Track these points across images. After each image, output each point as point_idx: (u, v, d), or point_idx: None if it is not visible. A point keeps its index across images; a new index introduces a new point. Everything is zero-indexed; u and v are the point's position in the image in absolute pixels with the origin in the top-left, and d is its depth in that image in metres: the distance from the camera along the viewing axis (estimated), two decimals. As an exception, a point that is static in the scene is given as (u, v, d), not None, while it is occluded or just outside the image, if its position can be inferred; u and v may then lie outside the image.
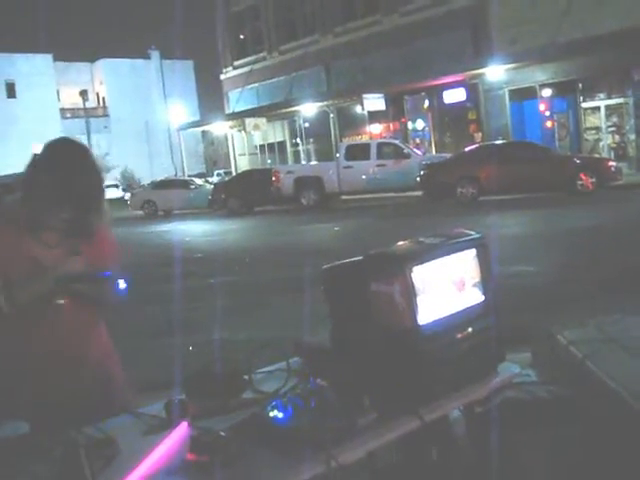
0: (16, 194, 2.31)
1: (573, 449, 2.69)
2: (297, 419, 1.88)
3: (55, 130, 56.59)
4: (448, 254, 2.12)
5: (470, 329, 2.13)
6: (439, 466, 2.31)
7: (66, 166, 2.20)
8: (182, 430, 1.97)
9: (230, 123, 34.48)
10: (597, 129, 23.95)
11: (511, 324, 2.37)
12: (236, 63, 37.27)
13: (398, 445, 2.10)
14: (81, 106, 47.33)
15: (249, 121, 32.03)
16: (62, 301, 2.30)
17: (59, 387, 2.28)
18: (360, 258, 2.08)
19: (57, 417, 2.07)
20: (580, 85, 23.42)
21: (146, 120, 61.11)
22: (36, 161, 2.25)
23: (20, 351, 2.28)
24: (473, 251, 2.19)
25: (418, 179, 19.90)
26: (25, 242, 2.27)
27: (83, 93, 44.31)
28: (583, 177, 17.60)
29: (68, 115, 59.84)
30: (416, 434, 2.01)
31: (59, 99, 60.74)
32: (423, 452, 2.26)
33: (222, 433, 1.85)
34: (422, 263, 2.01)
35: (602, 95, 23.42)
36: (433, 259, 2.06)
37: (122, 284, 2.27)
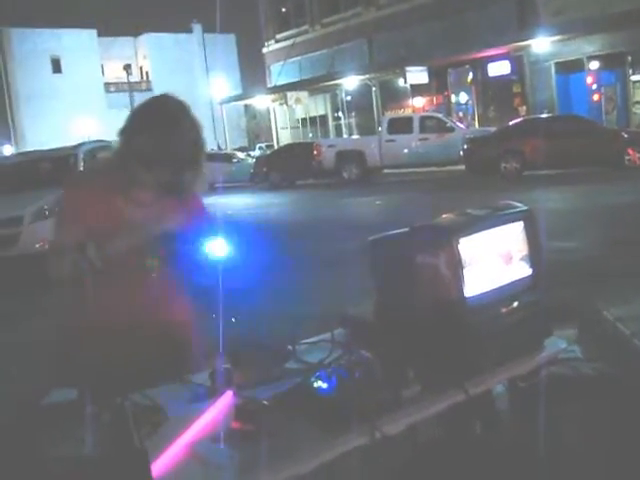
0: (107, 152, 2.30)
1: (617, 427, 2.65)
2: (341, 390, 1.88)
3: (99, 104, 57.23)
4: (495, 226, 2.08)
5: (517, 303, 2.11)
6: (482, 440, 2.30)
7: (165, 124, 2.14)
8: (227, 399, 1.99)
9: (272, 97, 34.44)
10: (646, 103, 23.31)
11: (557, 299, 2.33)
12: (278, 36, 37.09)
13: (441, 418, 2.08)
14: (125, 80, 47.71)
15: (291, 95, 31.93)
16: (153, 262, 2.29)
17: (137, 349, 2.25)
18: (406, 230, 2.06)
19: (128, 380, 2.06)
20: (629, 58, 22.75)
21: (189, 94, 61.23)
22: (134, 119, 2.21)
23: (106, 309, 2.24)
24: (521, 224, 2.15)
25: (461, 153, 19.63)
26: (117, 200, 2.25)
27: (127, 67, 44.69)
28: (630, 152, 17.13)
29: (112, 89, 60.37)
30: (460, 408, 1.99)
31: (103, 74, 61.28)
32: (466, 426, 2.25)
33: (266, 402, 1.87)
34: (469, 235, 1.98)
35: (652, 68, 22.77)
36: (480, 231, 2.03)
37: (220, 248, 2.18)
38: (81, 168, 11.45)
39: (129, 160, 2.17)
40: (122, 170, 2.20)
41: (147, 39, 63.38)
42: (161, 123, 2.15)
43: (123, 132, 2.21)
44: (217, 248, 2.15)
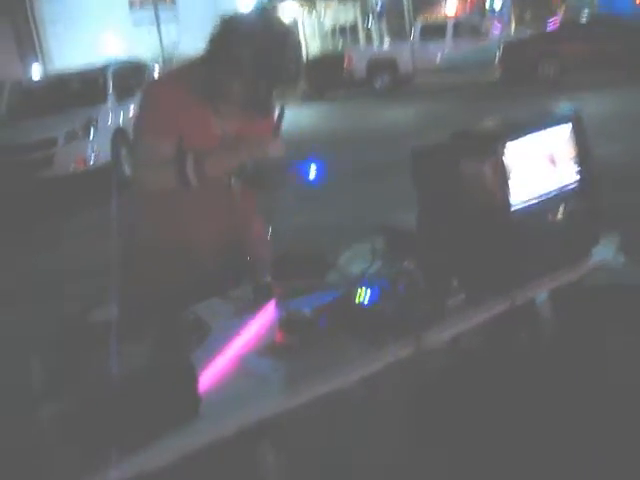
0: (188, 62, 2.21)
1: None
2: (384, 301, 1.86)
3: (124, 22, 56.30)
4: (542, 129, 1.99)
5: (564, 209, 2.04)
6: (527, 349, 2.28)
7: (272, 37, 2.04)
8: (270, 311, 1.99)
9: (300, 2, 33.50)
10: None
11: (604, 205, 2.25)
12: (305, -59, 35.81)
13: (486, 328, 2.06)
14: (150, -5, 46.77)
15: (319, 2, 31.05)
16: (237, 183, 2.21)
17: (212, 266, 2.22)
18: (449, 137, 1.98)
19: (194, 295, 2.07)
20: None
21: (215, 6, 60.07)
22: (236, 28, 2.08)
23: (189, 226, 2.22)
24: (569, 125, 2.06)
25: (496, 59, 19.05)
26: (205, 109, 2.17)
27: (151, -18, 43.66)
28: (676, 54, 16.45)
29: (137, 6, 59.40)
30: (505, 317, 1.97)
31: (127, -11, 60.23)
32: (511, 335, 2.23)
33: (308, 314, 1.86)
34: (515, 139, 1.90)
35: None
36: (526, 134, 1.94)
37: (313, 173, 2.17)
38: (110, 87, 11.39)
39: (221, 69, 2.07)
40: (210, 78, 2.10)
41: (171, -50, 61.72)
42: (268, 35, 2.05)
43: (218, 39, 2.09)
44: (311, 173, 2.15)
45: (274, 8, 31.81)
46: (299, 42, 2.15)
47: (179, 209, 2.19)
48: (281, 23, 2.14)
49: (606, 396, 2.42)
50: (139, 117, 2.27)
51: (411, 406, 2.11)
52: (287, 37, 2.08)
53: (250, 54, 2.02)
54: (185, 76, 2.19)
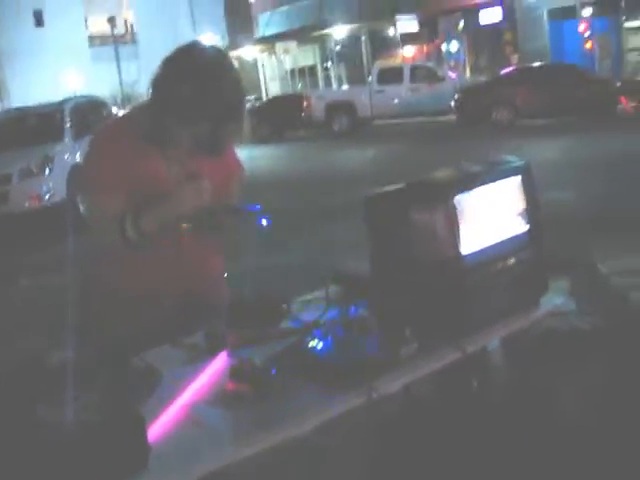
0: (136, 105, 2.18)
1: (612, 381, 2.66)
2: (337, 349, 1.86)
3: (84, 58, 56.19)
4: (492, 181, 2.04)
5: (514, 259, 2.08)
6: (478, 397, 2.30)
7: (207, 73, 1.99)
8: (222, 360, 1.97)
9: (260, 47, 33.92)
10: (639, 51, 23.07)
11: (552, 252, 2.31)
12: (265, -15, 36.39)
13: (438, 377, 2.07)
14: (109, 33, 46.79)
15: (279, 45, 31.47)
16: (188, 226, 2.16)
17: (167, 313, 2.19)
18: (402, 186, 2.01)
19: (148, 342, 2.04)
20: (622, 3, 22.45)
21: (175, 46, 60.30)
22: (170, 67, 2.04)
23: (140, 275, 2.18)
24: (518, 178, 2.11)
25: (452, 103, 19.49)
26: (149, 156, 2.11)
27: (111, 20, 43.70)
28: (623, 101, 17.05)
29: (97, 43, 59.27)
30: (456, 366, 1.98)
31: (87, 27, 60.05)
32: (463, 383, 2.25)
33: (261, 363, 1.85)
34: (465, 191, 1.94)
35: (646, 14, 22.48)
36: (477, 187, 1.99)
37: (265, 221, 2.14)
38: (68, 124, 11.33)
39: (164, 113, 2.03)
40: (156, 124, 2.06)
41: (131, -10, 62.02)
42: (203, 72, 2.00)
43: (158, 81, 2.05)
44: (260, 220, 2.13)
45: (230, 51, 32.12)
46: (238, 74, 2.11)
47: (131, 256, 2.16)
48: (218, 55, 2.10)
49: (559, 441, 2.44)
50: (84, 172, 2.22)
51: (364, 454, 2.10)
52: (224, 74, 2.04)
53: (188, 93, 1.98)
54: (133, 122, 2.16)
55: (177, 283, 2.22)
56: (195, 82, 1.98)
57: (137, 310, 2.19)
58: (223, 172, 2.24)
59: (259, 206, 2.16)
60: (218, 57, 2.08)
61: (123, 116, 2.31)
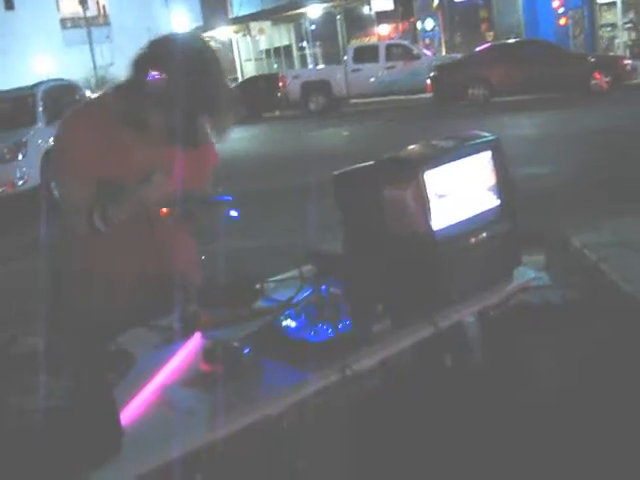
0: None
1: (584, 352, 2.69)
2: (310, 328, 1.86)
3: (56, 41, 55.34)
4: (462, 157, 2.04)
5: (485, 234, 2.08)
6: (453, 372, 2.31)
7: (190, 64, 1.95)
8: (195, 341, 1.97)
9: (234, 28, 33.58)
10: (613, 26, 23.16)
11: (526, 227, 2.32)
12: (238, -36, 36.00)
13: (412, 352, 2.08)
14: (82, 15, 46.08)
15: (254, 25, 31.18)
16: (168, 210, 2.11)
17: (140, 296, 2.18)
18: (372, 163, 2.01)
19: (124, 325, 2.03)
20: (596, -22, 22.54)
21: (148, 27, 59.79)
22: (153, 51, 2.00)
23: (113, 259, 2.16)
24: (488, 153, 2.11)
25: (428, 81, 19.48)
26: (125, 136, 2.07)
27: (83, 2, 43.00)
28: (597, 76, 17.13)
29: (69, 25, 58.34)
30: (430, 341, 1.99)
31: (58, 9, 59.11)
32: (437, 358, 2.26)
33: (235, 343, 1.84)
34: (435, 167, 1.94)
35: (619, -11, 22.55)
36: (447, 162, 1.99)
37: (234, 212, 2.11)
38: (40, 108, 11.17)
39: (140, 94, 1.98)
40: (132, 104, 2.01)
41: (102, -30, 61.04)
42: (184, 61, 1.95)
43: (139, 62, 2.00)
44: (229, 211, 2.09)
45: (204, 32, 31.80)
46: (222, 68, 2.07)
47: (103, 240, 2.13)
48: (202, 48, 2.05)
49: (534, 414, 2.47)
50: (56, 157, 2.16)
51: (340, 431, 2.11)
52: (206, 64, 2.00)
53: (166, 79, 1.95)
54: (104, 104, 2.12)
55: (149, 266, 2.21)
56: (174, 69, 1.94)
57: (109, 293, 2.18)
58: (199, 163, 2.20)
59: (230, 197, 2.13)
60: (203, 50, 2.03)
61: (94, 99, 2.25)
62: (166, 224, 2.18)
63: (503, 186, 2.13)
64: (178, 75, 1.94)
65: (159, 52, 2.00)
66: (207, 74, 1.98)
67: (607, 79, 17.09)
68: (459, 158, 2.03)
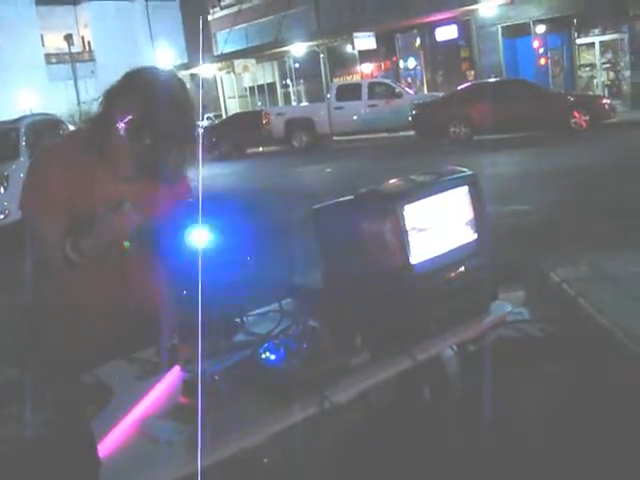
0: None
1: (564, 387, 2.71)
2: (290, 361, 1.87)
3: (41, 76, 55.55)
4: (440, 192, 2.08)
5: (462, 268, 2.12)
6: (432, 405, 2.32)
7: (159, 92, 2.00)
8: (175, 374, 1.97)
9: (219, 65, 33.89)
10: (591, 66, 23.62)
11: (504, 262, 2.35)
12: (223, 3, 36.43)
13: (391, 384, 2.10)
14: (66, 51, 46.31)
15: (238, 62, 31.47)
16: (129, 246, 2.14)
17: (111, 330, 2.17)
18: (350, 197, 2.04)
19: (95, 359, 2.02)
20: (575, 21, 22.99)
21: (133, 64, 59.89)
22: (125, 82, 2.05)
23: (83, 293, 2.16)
24: (465, 188, 2.16)
25: (410, 119, 19.71)
26: (98, 171, 2.09)
27: (68, 37, 43.24)
28: (576, 115, 17.43)
29: (53, 60, 58.60)
30: (409, 373, 2.01)
31: (43, 44, 59.44)
32: (416, 391, 2.27)
33: (214, 376, 1.85)
34: (413, 201, 1.98)
35: (597, 31, 23.01)
36: (424, 197, 2.02)
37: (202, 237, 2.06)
38: (23, 142, 11.19)
39: (110, 123, 2.02)
40: (100, 133, 2.05)
41: (88, 7, 61.55)
42: (152, 93, 2.00)
43: (110, 93, 2.05)
44: (199, 237, 2.04)
45: (189, 69, 32.02)
46: (190, 98, 2.11)
47: (76, 274, 2.13)
48: (173, 77, 2.11)
49: (510, 448, 2.48)
50: (27, 192, 2.16)
51: (320, 463, 2.11)
52: (178, 91, 2.06)
53: (133, 109, 1.99)
54: (80, 139, 2.14)
55: (122, 298, 2.21)
56: (142, 101, 1.99)
57: (85, 326, 2.18)
58: (169, 197, 2.18)
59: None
60: (172, 84, 2.08)
61: (69, 133, 2.28)
62: (134, 258, 2.19)
63: (480, 221, 2.17)
64: (144, 106, 1.99)
65: (132, 85, 2.05)
66: (174, 109, 2.02)
67: (586, 118, 17.39)
68: (437, 193, 2.07)
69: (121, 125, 2.01)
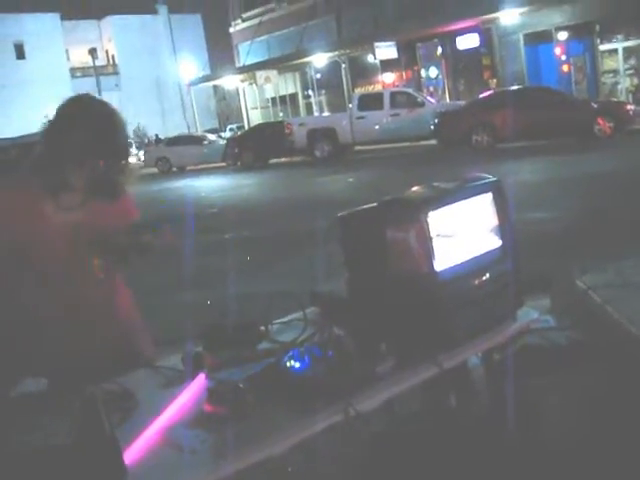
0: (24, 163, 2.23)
1: (591, 396, 2.67)
2: (314, 368, 1.86)
3: (66, 90, 56.28)
4: (464, 198, 2.07)
5: (488, 274, 2.10)
6: (457, 413, 2.30)
7: (97, 117, 2.15)
8: (199, 382, 1.97)
9: (241, 77, 34.14)
10: (615, 72, 23.45)
11: (530, 270, 2.33)
12: (245, 15, 36.68)
13: (417, 392, 2.08)
14: (91, 65, 46.93)
15: (260, 74, 31.66)
16: (98, 263, 2.24)
17: (88, 343, 2.23)
18: (375, 205, 2.04)
19: (84, 373, 2.04)
20: (597, 27, 22.84)
21: (157, 77, 60.76)
22: (61, 117, 2.17)
23: (49, 310, 2.22)
24: (489, 195, 2.14)
25: (432, 128, 19.66)
26: (45, 206, 2.18)
27: (92, 51, 43.88)
28: (600, 121, 17.28)
29: (78, 74, 59.37)
30: (435, 381, 1.99)
31: (68, 59, 60.26)
32: (442, 399, 2.25)
33: (239, 384, 1.85)
34: (438, 208, 1.97)
35: (620, 37, 22.86)
36: (449, 204, 2.01)
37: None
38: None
39: (57, 159, 2.13)
40: (49, 172, 2.15)
41: (112, 21, 62.37)
42: (93, 117, 2.14)
43: (49, 132, 2.17)
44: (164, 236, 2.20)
45: (212, 80, 32.17)
46: (122, 118, 2.22)
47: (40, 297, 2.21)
48: (101, 103, 2.23)
49: (538, 457, 2.45)
50: None
51: (346, 470, 2.10)
52: (112, 114, 2.18)
53: (84, 137, 2.10)
54: (21, 178, 2.23)
55: (92, 315, 2.27)
56: (89, 126, 2.11)
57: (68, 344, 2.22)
58: (117, 215, 2.29)
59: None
60: (104, 104, 2.23)
61: (8, 181, 2.33)
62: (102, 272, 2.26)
63: (505, 227, 2.16)
64: (92, 130, 2.11)
65: (71, 115, 2.17)
66: (114, 124, 2.17)
67: (610, 124, 17.23)
68: (461, 199, 2.06)
69: (70, 155, 2.11)
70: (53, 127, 2.17)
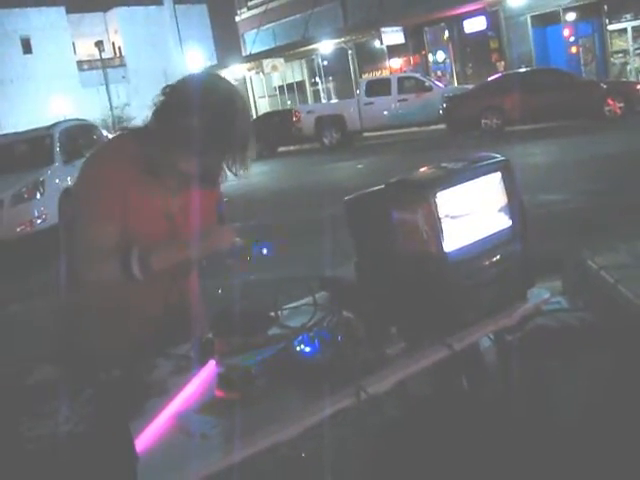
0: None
1: (603, 377, 2.66)
2: (324, 352, 1.86)
3: (73, 83, 56.33)
4: (472, 178, 2.05)
5: (498, 255, 2.08)
6: (469, 395, 2.29)
7: (218, 105, 1.90)
8: (210, 368, 1.97)
9: (248, 65, 34.03)
10: (624, 52, 23.22)
11: (541, 252, 2.31)
12: (250, 3, 36.55)
13: (428, 374, 2.07)
14: (97, 57, 46.87)
15: (267, 62, 31.56)
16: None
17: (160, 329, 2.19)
18: (382, 186, 2.02)
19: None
20: (605, 7, 22.60)
21: (164, 68, 60.77)
22: (179, 97, 1.92)
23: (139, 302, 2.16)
24: (498, 174, 2.12)
25: (441, 112, 19.57)
26: (149, 187, 2.04)
27: (99, 44, 43.78)
28: (610, 102, 17.13)
29: (85, 67, 59.41)
30: (446, 363, 1.98)
31: (75, 52, 60.26)
32: (453, 381, 2.24)
33: (250, 370, 1.84)
34: (446, 188, 1.95)
35: (629, 16, 22.61)
36: (457, 184, 1.99)
37: (265, 250, 2.18)
38: (57, 148, 11.34)
39: (171, 145, 1.93)
40: (164, 156, 1.97)
41: (117, 13, 62.28)
42: (214, 104, 1.90)
43: (162, 112, 1.94)
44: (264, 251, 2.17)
45: (219, 70, 32.20)
46: (248, 106, 2.05)
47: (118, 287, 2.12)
48: (226, 88, 1.99)
49: (551, 438, 2.44)
50: (78, 199, 2.11)
51: (357, 455, 2.10)
52: (233, 104, 1.95)
53: (197, 124, 1.88)
54: (128, 149, 2.04)
55: (162, 299, 2.22)
56: (207, 114, 1.88)
57: (123, 326, 2.18)
58: (213, 200, 2.24)
59: (268, 246, 2.20)
60: (225, 88, 1.98)
61: (113, 142, 2.18)
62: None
63: (514, 207, 2.13)
64: (208, 120, 1.89)
65: (184, 99, 1.92)
66: (235, 113, 1.93)
67: (620, 105, 17.08)
68: (470, 179, 2.03)
69: (182, 142, 1.92)
70: (164, 106, 1.94)
